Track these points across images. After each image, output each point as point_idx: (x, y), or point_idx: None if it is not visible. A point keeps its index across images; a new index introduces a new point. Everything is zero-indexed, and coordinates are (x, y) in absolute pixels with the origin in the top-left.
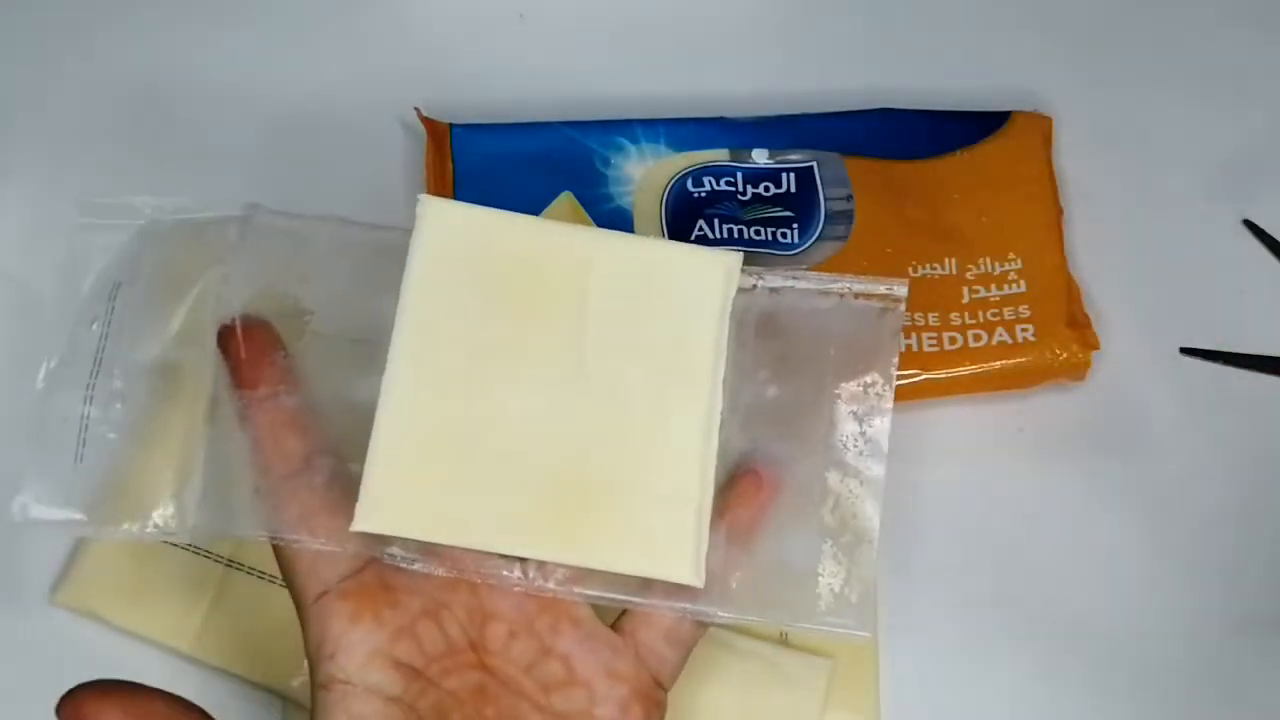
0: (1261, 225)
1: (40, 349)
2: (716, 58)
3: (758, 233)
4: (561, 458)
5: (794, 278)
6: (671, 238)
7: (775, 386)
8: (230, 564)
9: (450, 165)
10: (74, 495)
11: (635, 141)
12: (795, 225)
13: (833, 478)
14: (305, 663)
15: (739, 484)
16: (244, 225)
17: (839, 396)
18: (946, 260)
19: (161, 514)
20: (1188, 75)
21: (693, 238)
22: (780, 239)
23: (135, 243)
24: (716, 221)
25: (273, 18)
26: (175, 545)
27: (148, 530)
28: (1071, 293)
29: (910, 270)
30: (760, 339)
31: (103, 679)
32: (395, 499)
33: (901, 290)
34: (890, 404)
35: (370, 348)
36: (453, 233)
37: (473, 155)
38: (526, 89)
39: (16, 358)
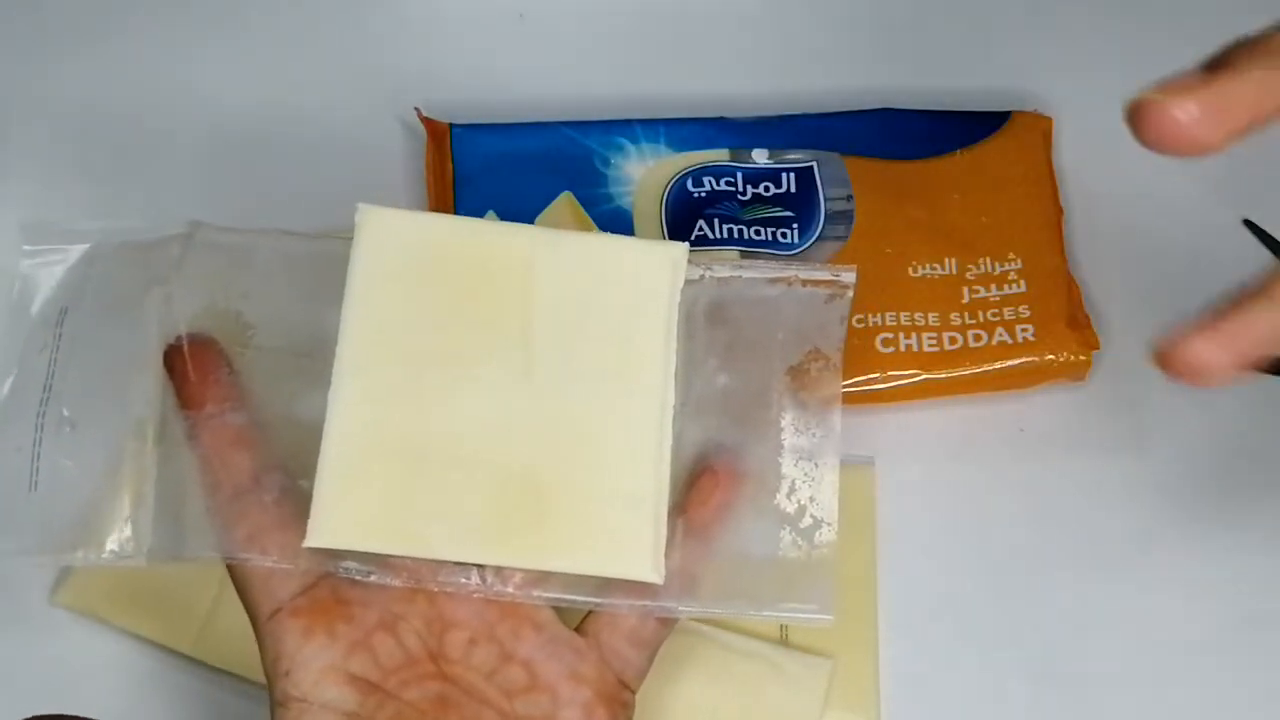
0: (1261, 225)
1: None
2: (716, 58)
3: (758, 233)
4: (514, 461)
5: (742, 266)
6: (671, 237)
7: (725, 375)
8: None
9: (450, 165)
10: (31, 524)
11: (635, 141)
12: (795, 225)
13: (787, 463)
14: None
15: (697, 483)
16: (186, 243)
17: (787, 380)
18: (946, 260)
19: (117, 538)
20: None
21: (693, 238)
22: (780, 239)
23: (81, 267)
24: (716, 221)
25: (272, 19)
26: None
27: (104, 556)
28: (1071, 293)
29: (910, 270)
30: (709, 328)
31: (48, 714)
32: (347, 512)
33: (849, 278)
34: (839, 385)
35: (316, 361)
36: (393, 240)
37: (473, 155)
38: (526, 89)
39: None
